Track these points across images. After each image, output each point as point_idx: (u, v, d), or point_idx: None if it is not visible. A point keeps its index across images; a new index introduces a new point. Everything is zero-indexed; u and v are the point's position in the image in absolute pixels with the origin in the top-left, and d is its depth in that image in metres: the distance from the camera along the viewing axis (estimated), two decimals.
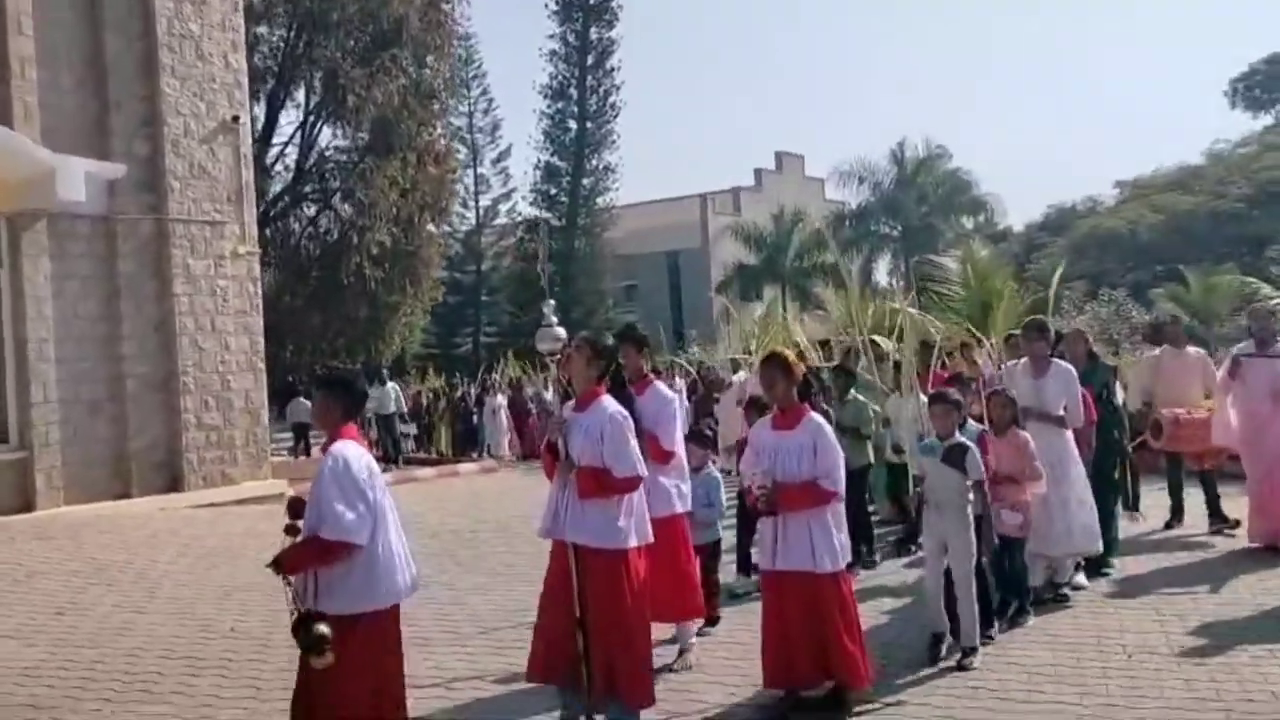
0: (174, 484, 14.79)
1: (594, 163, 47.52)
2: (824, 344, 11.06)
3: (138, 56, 14.73)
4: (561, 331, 5.70)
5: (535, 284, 45.11)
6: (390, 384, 21.66)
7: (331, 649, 4.22)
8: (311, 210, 25.25)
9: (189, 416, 14.95)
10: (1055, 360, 7.34)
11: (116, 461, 14.36)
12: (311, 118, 24.61)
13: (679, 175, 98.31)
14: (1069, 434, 7.20)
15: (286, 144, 24.89)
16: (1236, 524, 9.03)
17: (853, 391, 9.11)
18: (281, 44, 23.30)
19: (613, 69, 47.29)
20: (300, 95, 24.42)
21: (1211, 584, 7.53)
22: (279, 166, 24.68)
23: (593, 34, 46.81)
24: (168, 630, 7.77)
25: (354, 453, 4.43)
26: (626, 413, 5.24)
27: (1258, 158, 34.16)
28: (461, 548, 10.59)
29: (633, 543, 5.14)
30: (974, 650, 5.88)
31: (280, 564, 4.37)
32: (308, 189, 24.97)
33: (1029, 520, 6.56)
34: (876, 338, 10.41)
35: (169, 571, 9.95)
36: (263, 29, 22.25)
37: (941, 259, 25.15)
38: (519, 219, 46.89)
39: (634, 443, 5.13)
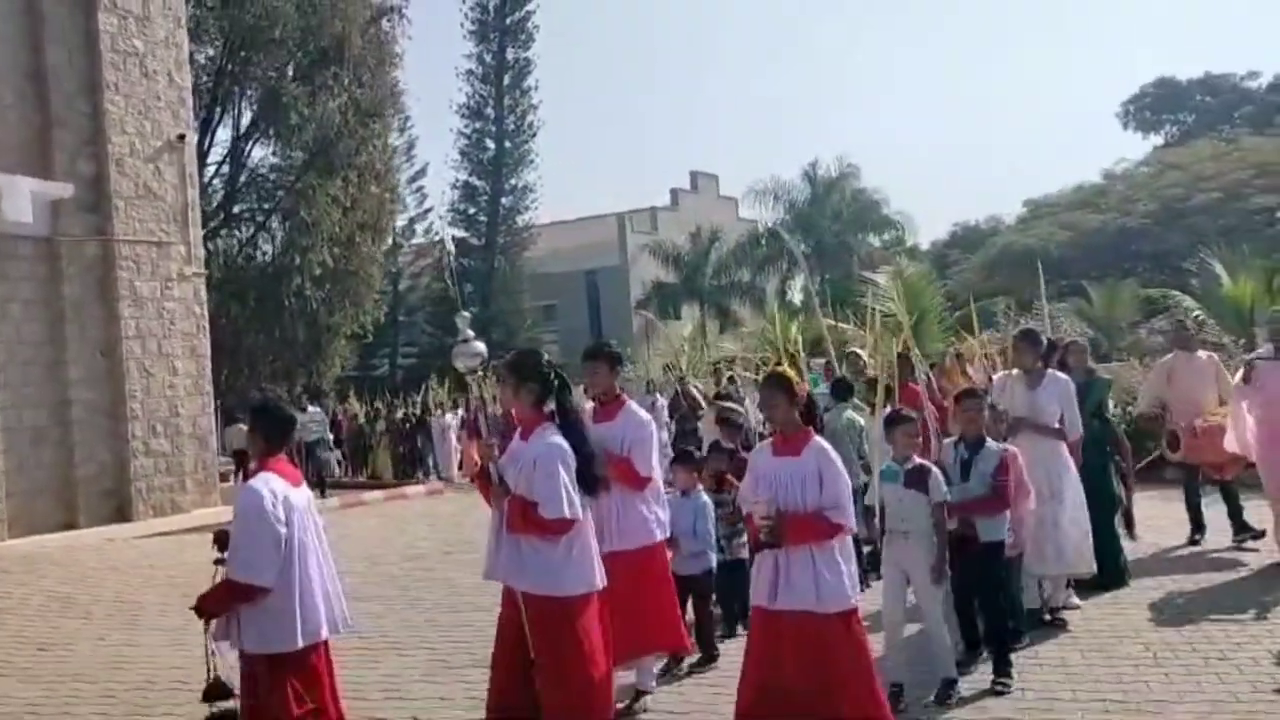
0: (122, 513, 14.35)
1: (512, 182, 47.38)
2: (847, 357, 10.71)
3: (80, 73, 14.36)
4: (481, 347, 5.25)
5: (454, 303, 44.73)
6: (313, 408, 21.16)
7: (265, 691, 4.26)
8: (248, 230, 24.67)
9: (137, 443, 14.52)
10: (1050, 370, 7.08)
11: (62, 491, 13.89)
12: (244, 136, 24.07)
13: (596, 194, 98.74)
14: (1064, 448, 6.84)
15: (221, 163, 24.31)
16: (1262, 534, 8.62)
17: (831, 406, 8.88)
18: (212, 62, 22.76)
19: (529, 89, 47.27)
20: (233, 113, 23.88)
21: (1233, 599, 7.29)
22: (213, 185, 24.03)
23: (509, 54, 46.73)
24: (167, 661, 7.54)
25: (269, 488, 4.28)
26: (566, 446, 4.63)
27: (1160, 176, 35.84)
28: (445, 570, 10.47)
29: (576, 590, 4.65)
30: (953, 683, 5.52)
31: (202, 608, 4.38)
32: (239, 209, 24.40)
33: (1021, 539, 6.18)
34: (858, 350, 10.39)
35: (143, 603, 9.64)
36: (191, 46, 21.69)
37: (874, 275, 25.70)
38: (436, 238, 46.50)
39: (566, 481, 4.55)
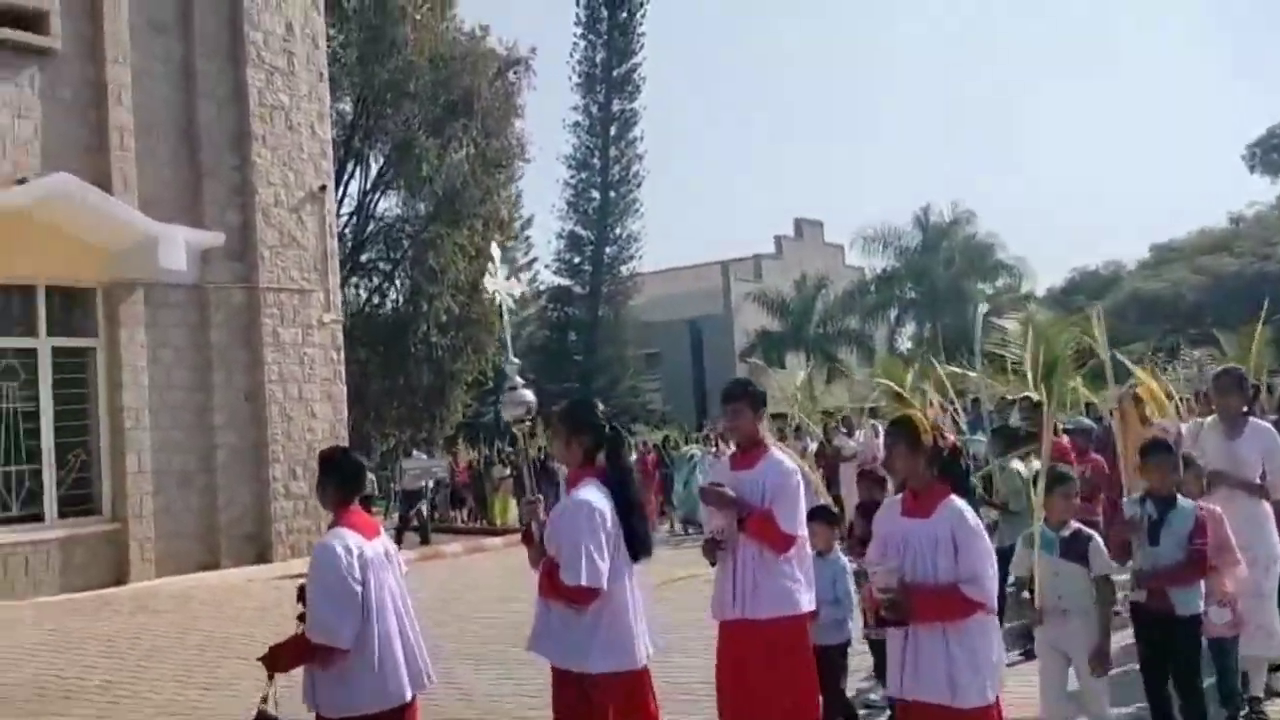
0: (262, 555, 14.58)
1: (617, 231, 47.78)
2: (1020, 403, 10.05)
3: (229, 127, 14.85)
4: (529, 395, 4.90)
5: (558, 352, 45.25)
6: (418, 454, 21.26)
7: None
8: (376, 279, 25.34)
9: (277, 486, 14.79)
10: (1252, 419, 6.30)
11: (206, 533, 14.18)
12: (373, 187, 24.79)
13: (700, 242, 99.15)
14: (1268, 507, 6.06)
15: (352, 214, 25.05)
16: None
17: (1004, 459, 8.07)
18: (343, 117, 23.55)
19: (635, 139, 47.78)
20: (363, 166, 24.59)
21: None
22: (343, 235, 24.86)
23: (615, 106, 47.37)
24: None
25: (344, 544, 4.17)
26: (597, 503, 4.25)
27: None
28: None
29: (601, 667, 4.22)
30: None
31: (269, 660, 4.26)
32: (366, 258, 25.09)
33: (1240, 615, 5.52)
34: (1033, 394, 9.99)
35: None
36: None
37: (1002, 321, 25.12)
38: (542, 288, 47.05)
39: (589, 545, 4.15)
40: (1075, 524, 5.06)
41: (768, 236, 55.50)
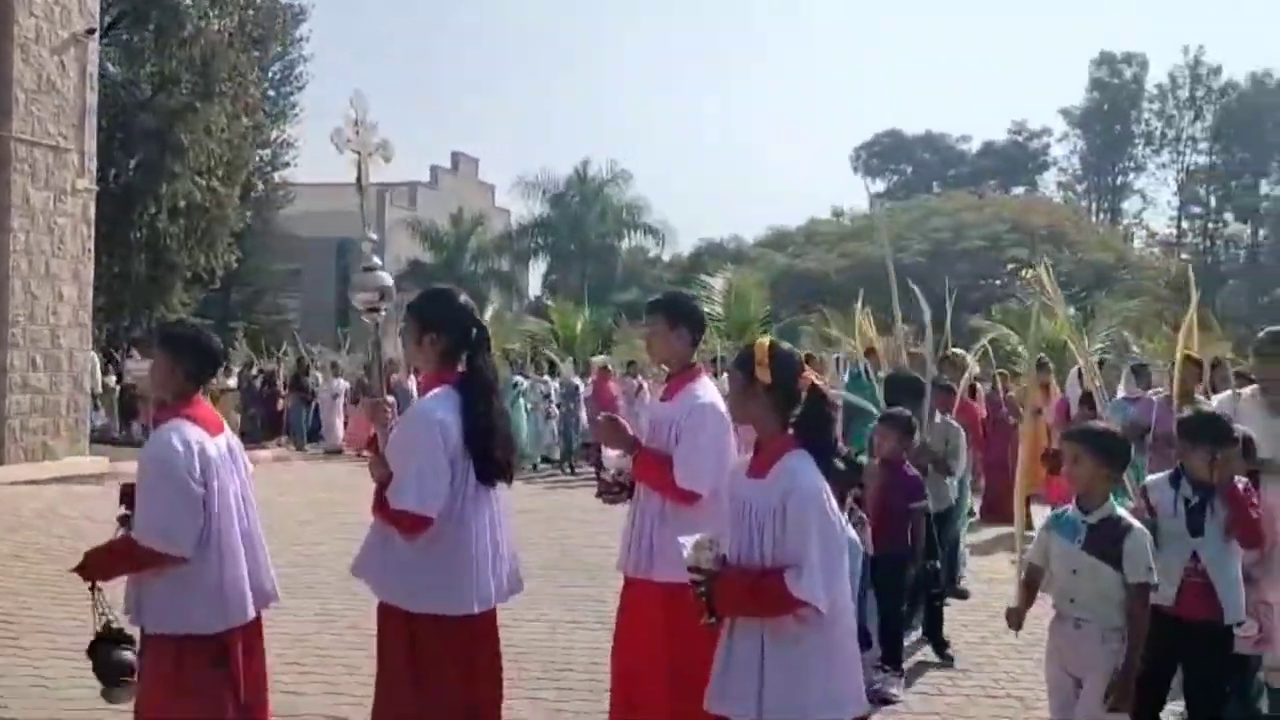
0: None
1: (273, 135, 44.49)
2: (947, 358, 8.86)
3: None
4: (386, 278, 3.97)
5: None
6: (91, 354, 18.92)
7: (136, 681, 3.55)
8: (107, 148, 21.38)
9: (14, 376, 12.48)
10: None
11: None
12: (107, 44, 20.76)
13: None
14: None
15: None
16: None
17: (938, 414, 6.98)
18: None
19: (302, 38, 44.65)
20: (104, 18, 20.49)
21: None
22: None
23: None
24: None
25: (183, 438, 3.52)
26: (443, 416, 3.55)
27: (926, 220, 39.65)
28: None
29: (428, 607, 3.53)
30: None
31: (87, 568, 3.60)
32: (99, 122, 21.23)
33: (1272, 630, 4.61)
34: (956, 350, 9.38)
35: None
36: None
37: (710, 279, 26.52)
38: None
39: (424, 464, 3.49)
40: (1120, 510, 3.86)
41: (425, 166, 54.28)
